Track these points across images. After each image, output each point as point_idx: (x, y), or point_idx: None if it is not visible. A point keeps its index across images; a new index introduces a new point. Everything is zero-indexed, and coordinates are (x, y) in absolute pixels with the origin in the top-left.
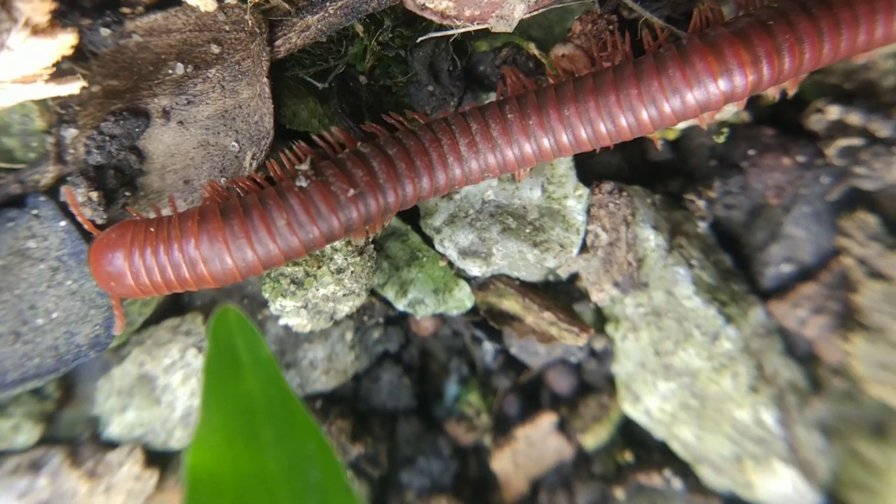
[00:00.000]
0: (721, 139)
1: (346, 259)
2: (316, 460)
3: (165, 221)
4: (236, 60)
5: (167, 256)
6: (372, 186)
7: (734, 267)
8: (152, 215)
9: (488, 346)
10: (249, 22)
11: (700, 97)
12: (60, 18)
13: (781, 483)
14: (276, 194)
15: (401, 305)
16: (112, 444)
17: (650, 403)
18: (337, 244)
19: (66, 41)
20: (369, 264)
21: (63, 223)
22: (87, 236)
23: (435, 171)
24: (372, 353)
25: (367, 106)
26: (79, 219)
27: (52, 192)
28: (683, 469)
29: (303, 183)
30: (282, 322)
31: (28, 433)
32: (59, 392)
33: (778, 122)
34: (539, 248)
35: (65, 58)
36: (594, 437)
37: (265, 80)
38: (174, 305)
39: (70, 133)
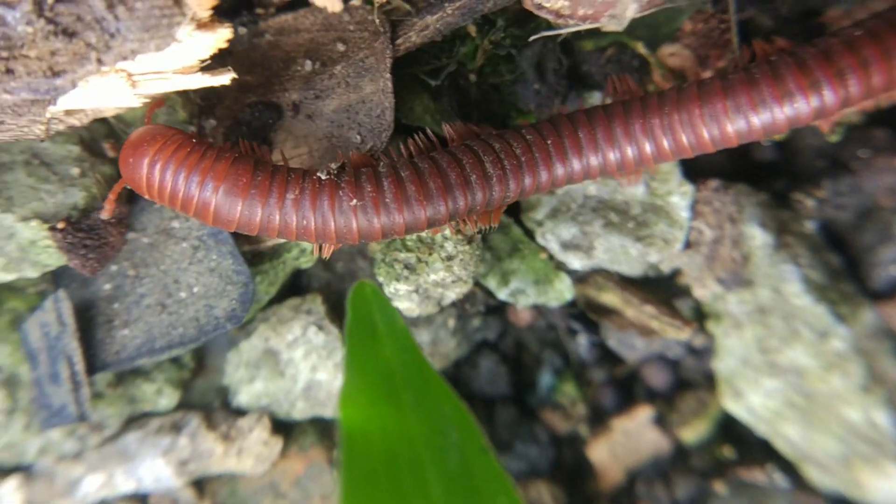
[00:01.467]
0: (835, 138)
1: (455, 247)
2: (454, 422)
3: (202, 147)
4: (360, 58)
5: (185, 182)
6: (473, 182)
7: (843, 267)
8: None
9: (583, 339)
10: (376, 21)
11: (815, 105)
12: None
13: (893, 484)
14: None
15: (502, 295)
16: (241, 412)
17: (753, 400)
18: (448, 233)
19: (223, 35)
20: (477, 253)
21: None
22: None
23: (538, 170)
24: (471, 341)
25: (474, 103)
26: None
27: None
28: (786, 467)
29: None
30: (393, 304)
31: (169, 397)
32: (193, 362)
33: (891, 123)
34: (642, 242)
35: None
36: (693, 432)
37: (388, 76)
38: (295, 286)
39: (209, 123)
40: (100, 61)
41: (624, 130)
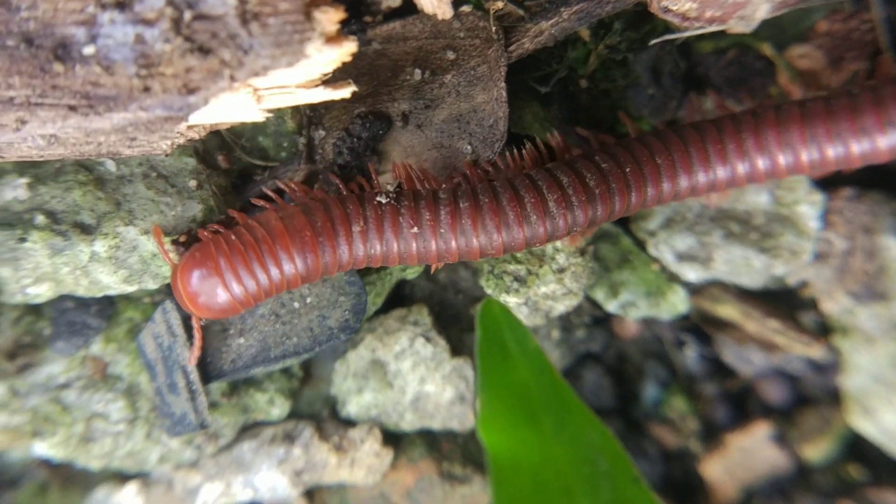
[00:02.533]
0: None
1: (567, 259)
2: (601, 450)
3: (244, 226)
4: (471, 66)
5: (257, 258)
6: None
7: None
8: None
9: (692, 351)
10: (492, 29)
11: None
12: None
13: None
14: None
15: (611, 307)
16: (350, 423)
17: (886, 419)
18: (560, 244)
19: (348, 49)
20: (589, 265)
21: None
22: None
23: (645, 187)
24: (575, 352)
25: (584, 110)
26: (161, 252)
27: None
28: None
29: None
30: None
31: (280, 407)
32: (301, 372)
33: None
34: (767, 254)
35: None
36: (815, 450)
37: (502, 84)
38: (398, 297)
39: (318, 134)
40: (232, 78)
41: (757, 143)
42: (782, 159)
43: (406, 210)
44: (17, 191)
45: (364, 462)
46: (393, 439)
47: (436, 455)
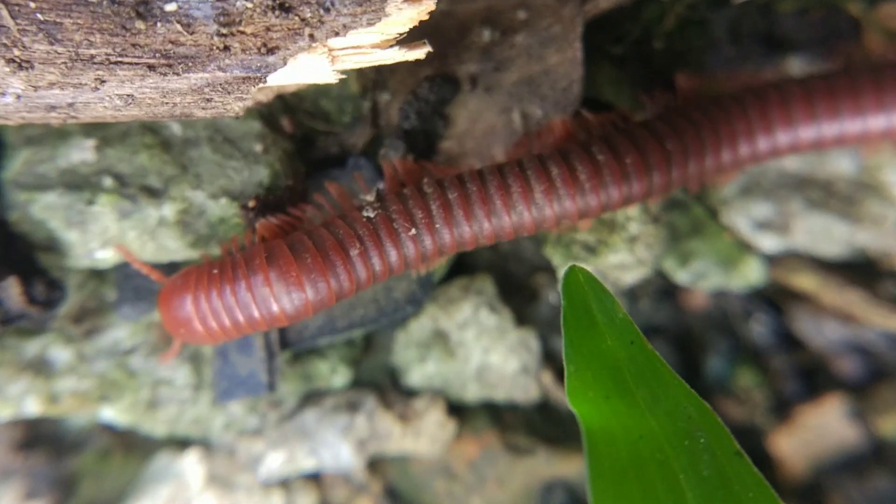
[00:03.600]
0: None
1: (640, 227)
2: (699, 424)
3: (229, 261)
4: (544, 26)
5: (234, 296)
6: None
7: None
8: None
9: (761, 324)
10: None
11: None
12: None
13: None
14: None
15: (681, 277)
16: (412, 392)
17: None
18: (632, 212)
19: (427, 7)
20: (663, 234)
21: (381, 185)
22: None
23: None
24: (639, 324)
25: (657, 72)
26: (138, 266)
27: (367, 153)
28: None
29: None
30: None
31: (342, 375)
32: (362, 341)
33: None
34: (849, 221)
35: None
36: (891, 425)
37: (578, 45)
38: (460, 265)
39: (383, 98)
40: (312, 37)
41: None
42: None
43: (397, 215)
44: (84, 153)
45: (428, 432)
46: (455, 410)
47: (499, 426)
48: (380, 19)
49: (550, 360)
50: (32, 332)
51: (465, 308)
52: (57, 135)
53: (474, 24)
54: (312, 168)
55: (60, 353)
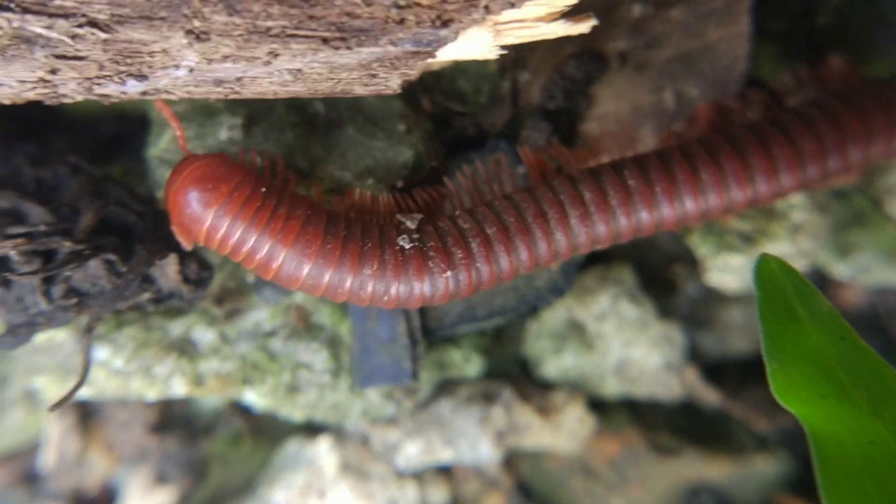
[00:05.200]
0: None
1: (805, 216)
2: None
3: (277, 194)
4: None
5: (256, 232)
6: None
7: None
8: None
9: None
10: None
11: None
12: None
13: None
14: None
15: (839, 272)
16: (547, 385)
17: None
18: (795, 199)
19: None
20: (830, 224)
21: (522, 169)
22: None
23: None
24: None
25: (819, 50)
26: (178, 132)
27: (505, 134)
28: None
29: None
30: (711, 279)
31: (476, 364)
32: (492, 330)
33: None
34: None
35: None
36: None
37: (745, 18)
38: (594, 254)
39: (523, 77)
40: (487, 9)
41: None
42: None
43: (434, 252)
44: (232, 131)
45: (567, 427)
46: (593, 405)
47: (640, 424)
48: None
49: (694, 355)
50: (177, 312)
51: (603, 298)
52: (204, 112)
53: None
54: (448, 150)
55: (204, 334)
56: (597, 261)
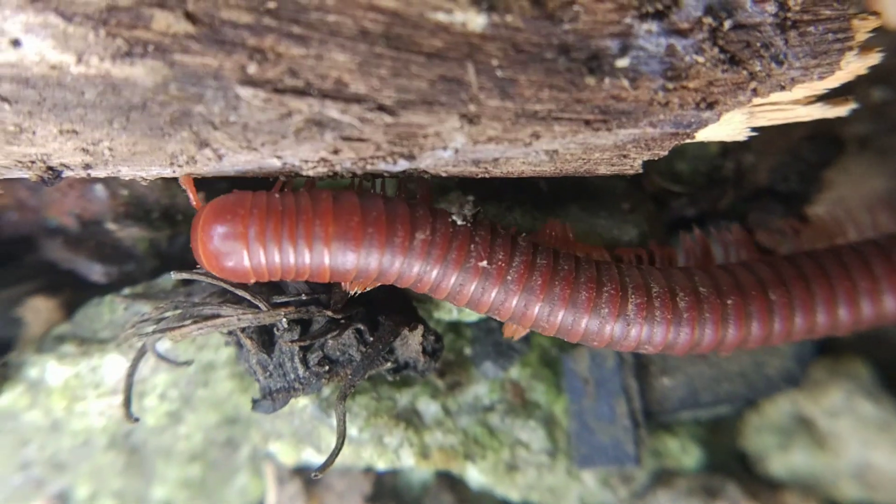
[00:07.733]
0: None
1: None
2: None
3: (292, 195)
4: None
5: (291, 236)
6: None
7: None
8: None
9: None
10: None
11: None
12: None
13: None
14: None
15: None
16: (772, 483)
17: None
18: None
19: (872, 60)
20: None
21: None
22: None
23: None
24: None
25: None
26: (194, 203)
27: (727, 215)
28: None
29: None
30: None
31: (692, 455)
32: (708, 420)
33: None
34: None
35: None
36: None
37: None
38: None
39: (747, 159)
40: (755, 91)
41: None
42: None
43: (480, 240)
44: (464, 208)
45: None
46: None
47: None
48: (832, 73)
49: None
50: (403, 383)
51: (834, 393)
52: (437, 189)
53: (861, 83)
54: (667, 230)
55: (429, 406)
56: (823, 352)
